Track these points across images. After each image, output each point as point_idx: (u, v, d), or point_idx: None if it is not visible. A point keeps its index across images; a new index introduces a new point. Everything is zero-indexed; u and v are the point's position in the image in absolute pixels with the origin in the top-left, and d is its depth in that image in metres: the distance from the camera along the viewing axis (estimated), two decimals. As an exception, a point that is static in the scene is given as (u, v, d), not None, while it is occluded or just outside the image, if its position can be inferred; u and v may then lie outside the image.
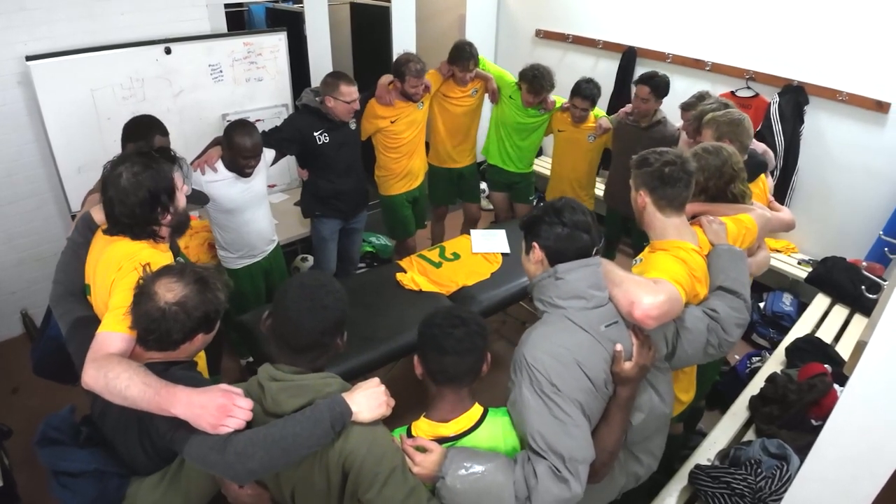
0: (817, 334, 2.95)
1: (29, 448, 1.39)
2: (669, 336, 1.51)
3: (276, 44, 3.58)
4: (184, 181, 1.64)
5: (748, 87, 3.59)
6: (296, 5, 4.64)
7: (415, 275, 2.75)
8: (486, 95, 3.49)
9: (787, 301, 3.47)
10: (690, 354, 1.53)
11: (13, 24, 2.77)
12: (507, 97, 3.43)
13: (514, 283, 2.73)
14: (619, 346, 1.36)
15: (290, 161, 3.44)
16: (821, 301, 3.27)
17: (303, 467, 1.23)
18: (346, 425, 1.20)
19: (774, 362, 2.78)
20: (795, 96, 3.38)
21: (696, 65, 3.78)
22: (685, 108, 2.76)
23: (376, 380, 1.30)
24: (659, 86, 3.00)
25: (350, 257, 3.42)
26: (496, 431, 1.36)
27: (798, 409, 2.27)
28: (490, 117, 3.65)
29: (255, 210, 2.67)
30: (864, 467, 1.08)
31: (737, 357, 3.18)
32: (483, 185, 4.16)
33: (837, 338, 2.99)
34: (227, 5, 3.46)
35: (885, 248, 3.13)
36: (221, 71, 3.43)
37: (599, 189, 3.80)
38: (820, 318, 3.15)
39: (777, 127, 3.44)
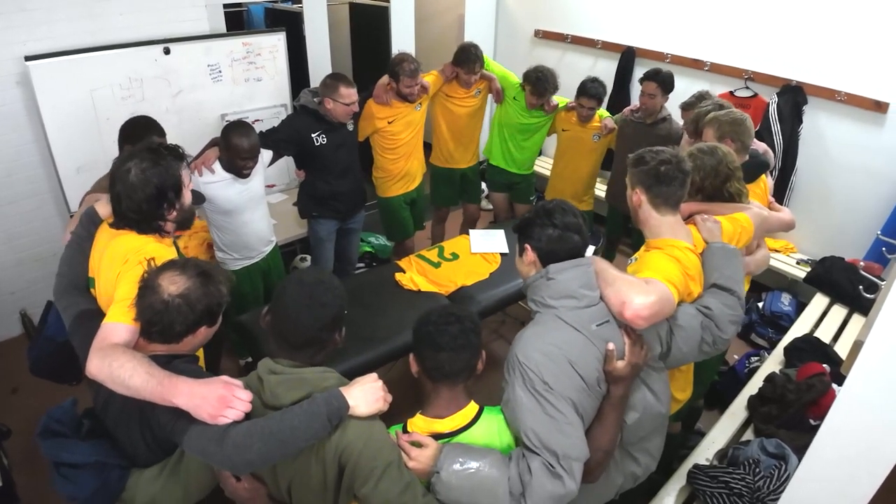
0: (816, 334, 2.96)
1: (29, 448, 1.40)
2: (663, 335, 1.51)
3: (274, 44, 3.59)
4: (190, 178, 1.65)
5: (747, 87, 3.59)
6: (295, 5, 4.64)
7: (413, 275, 2.75)
8: (490, 96, 3.48)
9: (785, 301, 3.48)
10: (685, 352, 1.54)
11: (12, 24, 2.78)
12: (512, 98, 3.42)
13: (513, 283, 2.72)
14: (611, 345, 1.37)
15: (288, 161, 3.44)
16: (819, 301, 3.28)
17: (299, 461, 1.24)
18: (343, 419, 1.20)
19: (773, 362, 2.78)
20: (794, 96, 3.38)
21: (695, 65, 3.79)
22: (685, 107, 2.77)
23: (374, 375, 1.30)
24: (665, 80, 3.03)
25: (348, 257, 3.42)
26: (492, 429, 1.37)
27: (796, 408, 2.27)
28: (492, 118, 3.64)
29: (253, 211, 2.67)
30: (861, 467, 1.08)
31: (735, 357, 3.18)
32: (482, 186, 4.16)
33: (836, 337, 2.99)
34: (225, 5, 3.46)
35: (883, 248, 3.12)
36: (220, 71, 3.43)
37: (600, 189, 3.81)
38: (818, 317, 3.15)
39: (776, 127, 3.44)
